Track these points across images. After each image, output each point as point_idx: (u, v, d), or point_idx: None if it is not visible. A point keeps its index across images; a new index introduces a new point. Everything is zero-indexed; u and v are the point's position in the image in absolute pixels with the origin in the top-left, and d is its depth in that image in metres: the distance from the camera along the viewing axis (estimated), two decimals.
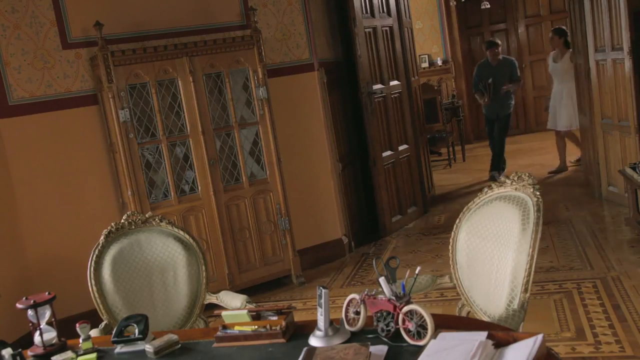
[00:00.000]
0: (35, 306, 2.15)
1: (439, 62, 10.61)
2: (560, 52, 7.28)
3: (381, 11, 6.14)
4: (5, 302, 3.89)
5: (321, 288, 1.96)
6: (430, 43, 10.68)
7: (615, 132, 5.61)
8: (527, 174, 2.38)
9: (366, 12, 5.85)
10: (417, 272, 2.09)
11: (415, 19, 9.76)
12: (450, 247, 2.54)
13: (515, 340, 1.68)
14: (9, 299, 3.84)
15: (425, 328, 1.80)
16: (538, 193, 2.29)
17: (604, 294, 3.90)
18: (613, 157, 5.71)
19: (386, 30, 6.19)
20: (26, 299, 2.18)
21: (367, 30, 5.81)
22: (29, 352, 2.18)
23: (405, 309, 1.85)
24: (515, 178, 2.41)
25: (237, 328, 2.10)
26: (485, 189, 2.52)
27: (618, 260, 4.43)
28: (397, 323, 1.86)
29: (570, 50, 7.06)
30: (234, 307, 2.61)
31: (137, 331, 2.16)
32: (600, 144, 5.92)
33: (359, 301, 1.98)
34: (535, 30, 10.59)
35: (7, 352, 2.05)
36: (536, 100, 10.68)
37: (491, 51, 7.49)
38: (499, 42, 7.78)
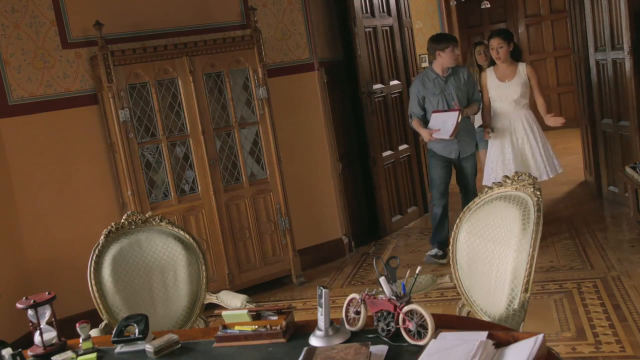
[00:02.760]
0: (35, 306, 2.14)
1: None
2: (508, 67, 4.90)
3: (381, 11, 6.14)
4: (5, 302, 3.88)
5: (321, 288, 1.96)
6: None
7: (616, 132, 5.61)
8: (527, 174, 2.38)
9: (366, 11, 5.85)
10: (417, 272, 2.09)
11: (416, 19, 9.73)
12: (450, 247, 2.54)
13: (515, 340, 1.68)
14: (8, 299, 3.84)
15: (425, 328, 1.80)
16: (538, 193, 2.29)
17: (604, 294, 3.90)
18: (613, 156, 5.71)
19: (386, 30, 6.19)
20: (26, 298, 2.18)
21: (367, 30, 5.80)
22: (29, 352, 2.18)
23: (406, 308, 1.85)
24: (516, 178, 2.40)
25: (237, 328, 2.10)
26: (486, 189, 2.52)
27: (618, 260, 4.42)
28: (397, 323, 1.86)
29: (524, 63, 4.97)
30: (234, 307, 2.61)
31: (137, 331, 2.16)
32: (600, 144, 5.92)
33: (359, 301, 1.97)
34: (536, 29, 10.59)
35: (7, 352, 2.05)
36: None
37: (451, 50, 4.74)
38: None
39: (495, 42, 4.87)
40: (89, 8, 4.41)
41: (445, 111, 4.69)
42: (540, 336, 1.63)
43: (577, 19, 6.12)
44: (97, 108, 4.52)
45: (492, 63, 5.14)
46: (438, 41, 4.82)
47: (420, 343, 1.79)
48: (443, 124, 4.66)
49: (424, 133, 4.80)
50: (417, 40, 9.11)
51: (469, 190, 5.00)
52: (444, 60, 4.78)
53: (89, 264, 2.73)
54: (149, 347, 2.07)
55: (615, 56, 5.38)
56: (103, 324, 2.66)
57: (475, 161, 5.03)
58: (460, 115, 4.59)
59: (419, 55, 9.85)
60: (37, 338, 2.19)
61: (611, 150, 5.74)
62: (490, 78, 4.98)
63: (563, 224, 5.49)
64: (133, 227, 2.85)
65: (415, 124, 4.91)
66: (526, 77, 4.87)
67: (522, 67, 4.90)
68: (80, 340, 2.16)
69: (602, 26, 5.54)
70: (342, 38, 5.96)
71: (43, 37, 4.34)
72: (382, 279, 1.94)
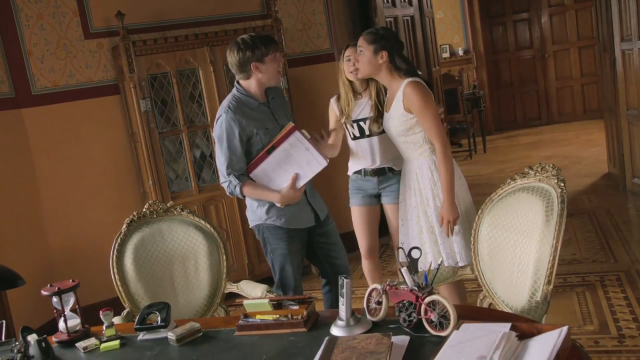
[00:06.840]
0: (59, 293, 2.17)
1: (460, 52, 10.51)
2: (390, 84, 3.03)
3: (402, 0, 6.08)
4: (29, 289, 3.93)
5: (343, 278, 1.96)
6: (452, 33, 10.58)
7: None
8: (551, 165, 2.35)
9: (387, 1, 5.81)
10: (439, 262, 2.08)
11: (437, 9, 9.67)
12: (471, 239, 2.52)
13: (539, 332, 1.66)
14: (32, 286, 3.89)
15: (447, 319, 1.79)
16: (562, 184, 2.26)
17: (627, 288, 3.84)
18: (638, 148, 5.62)
19: (407, 20, 6.13)
20: (51, 285, 2.21)
21: (388, 20, 5.76)
22: (54, 338, 2.21)
23: (428, 299, 1.84)
24: (539, 169, 2.37)
25: (258, 317, 2.11)
26: (508, 180, 2.49)
27: None
28: (419, 313, 1.85)
29: (409, 79, 2.92)
30: (254, 296, 2.62)
31: (159, 319, 2.18)
32: (625, 136, 5.83)
33: (381, 291, 1.97)
34: (559, 19, 10.42)
35: (32, 337, 2.08)
36: (559, 90, 10.54)
37: (275, 59, 2.89)
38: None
39: (358, 43, 3.14)
40: None
41: (274, 146, 2.85)
42: (565, 328, 1.61)
43: (603, 8, 6.01)
44: (119, 98, 4.56)
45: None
46: (253, 46, 2.81)
47: (442, 334, 1.78)
48: (289, 158, 2.87)
49: (285, 196, 2.86)
50: (439, 30, 9.04)
51: (343, 256, 3.21)
52: (267, 75, 2.87)
53: (112, 252, 2.76)
54: (171, 335, 2.09)
55: None
56: (125, 311, 2.68)
57: (335, 225, 3.20)
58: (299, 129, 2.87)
59: (440, 45, 9.78)
60: (61, 325, 2.23)
61: (636, 142, 5.65)
62: (361, 108, 3.38)
63: (586, 216, 5.42)
64: (154, 216, 2.87)
65: (250, 191, 2.89)
66: (402, 105, 2.92)
67: (402, 88, 2.92)
68: (104, 327, 2.18)
69: (628, 15, 5.44)
70: (362, 28, 5.90)
71: (66, 28, 4.38)
72: (404, 270, 1.93)
